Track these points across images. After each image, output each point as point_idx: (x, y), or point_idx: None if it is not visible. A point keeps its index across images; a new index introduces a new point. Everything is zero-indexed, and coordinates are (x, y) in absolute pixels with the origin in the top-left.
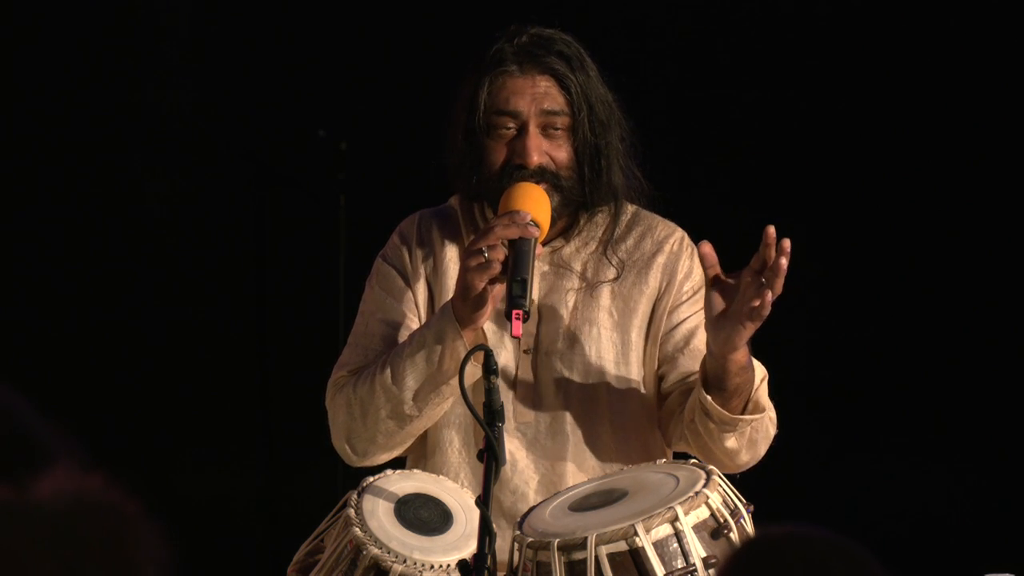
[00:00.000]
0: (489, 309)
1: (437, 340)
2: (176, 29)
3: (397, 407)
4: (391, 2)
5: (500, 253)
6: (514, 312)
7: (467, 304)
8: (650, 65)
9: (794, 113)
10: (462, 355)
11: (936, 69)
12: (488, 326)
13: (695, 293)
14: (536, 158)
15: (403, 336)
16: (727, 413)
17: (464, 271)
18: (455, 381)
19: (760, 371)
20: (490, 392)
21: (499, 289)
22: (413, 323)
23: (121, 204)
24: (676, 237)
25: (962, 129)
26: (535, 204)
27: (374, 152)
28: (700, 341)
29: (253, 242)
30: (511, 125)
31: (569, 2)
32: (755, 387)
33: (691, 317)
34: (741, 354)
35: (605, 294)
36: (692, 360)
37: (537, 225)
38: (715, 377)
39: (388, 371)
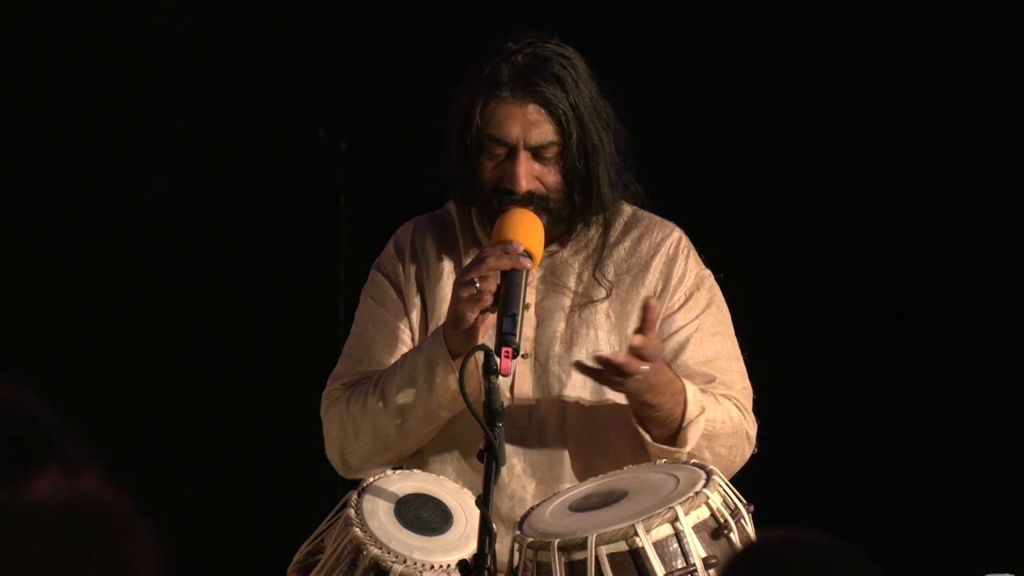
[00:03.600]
0: (480, 338)
1: (428, 367)
2: (176, 28)
3: (388, 430)
4: (392, 2)
5: (492, 284)
6: (503, 350)
7: (458, 334)
8: (648, 66)
9: (794, 115)
10: (452, 384)
11: (941, 72)
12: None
13: (688, 299)
14: (524, 184)
15: (396, 349)
16: (651, 443)
17: (456, 302)
18: (446, 407)
19: (695, 407)
20: (490, 392)
21: (491, 319)
22: (406, 335)
23: (120, 204)
24: (673, 238)
25: (964, 134)
26: (528, 233)
27: (374, 152)
28: (689, 356)
29: (253, 242)
30: (502, 150)
31: (568, 5)
32: (684, 422)
33: (683, 329)
34: (646, 394)
35: (603, 297)
36: (681, 376)
37: (530, 255)
38: (632, 403)
39: (380, 394)
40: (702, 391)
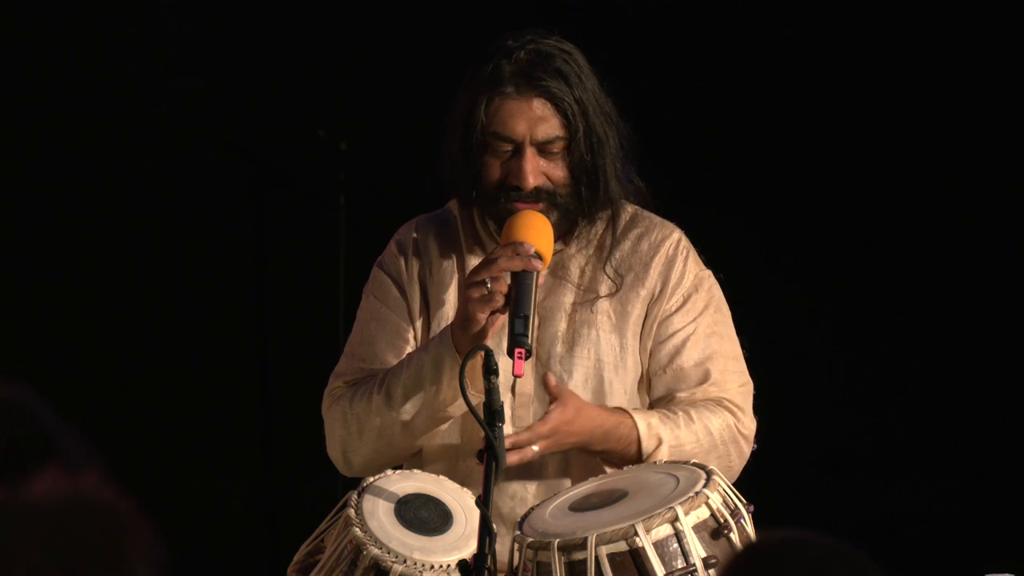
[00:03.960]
0: (489, 340)
1: (435, 367)
2: (176, 28)
3: (393, 429)
4: (391, 2)
5: (503, 285)
6: (516, 351)
7: (467, 334)
8: (648, 66)
9: (796, 113)
10: (459, 386)
11: (941, 70)
12: None
13: (685, 301)
14: (532, 180)
15: (398, 347)
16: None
17: (465, 302)
18: (452, 408)
19: (651, 442)
20: (490, 392)
21: (500, 320)
22: (408, 333)
23: (120, 204)
24: (673, 239)
25: (963, 133)
26: (538, 234)
27: (374, 152)
28: (685, 359)
29: (253, 242)
30: (507, 147)
31: (569, 5)
32: (643, 457)
33: (680, 331)
34: (588, 447)
35: (606, 293)
36: (674, 380)
37: (540, 257)
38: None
39: (385, 393)
40: (666, 417)
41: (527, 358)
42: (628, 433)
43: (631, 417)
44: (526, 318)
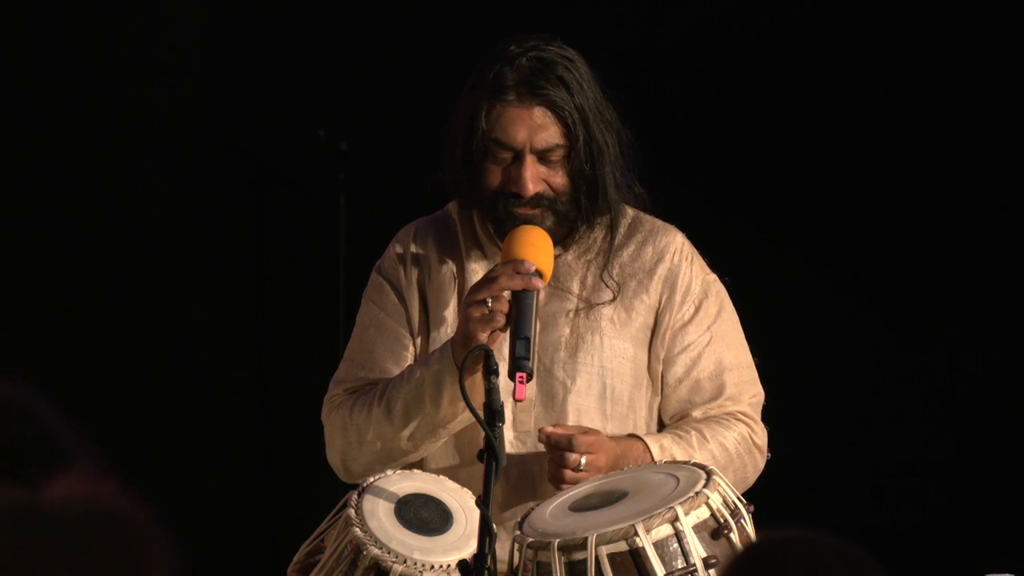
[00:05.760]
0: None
1: (436, 383)
2: (176, 28)
3: (392, 442)
4: (392, 2)
5: (504, 304)
6: (518, 375)
7: (467, 351)
8: (650, 67)
9: (795, 116)
10: (460, 403)
11: (948, 70)
12: None
13: (698, 309)
14: (531, 187)
15: (398, 354)
16: None
17: (466, 321)
18: (452, 424)
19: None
20: (490, 392)
21: (501, 336)
22: (407, 340)
23: (120, 204)
24: (676, 244)
25: (964, 131)
26: (538, 251)
27: (374, 152)
28: (701, 370)
29: (253, 242)
30: (508, 154)
31: (569, 6)
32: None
33: (695, 343)
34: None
35: (608, 300)
36: (690, 392)
37: (540, 275)
38: None
39: (385, 406)
40: (679, 438)
41: (529, 381)
42: (640, 456)
43: (642, 441)
44: (527, 340)
